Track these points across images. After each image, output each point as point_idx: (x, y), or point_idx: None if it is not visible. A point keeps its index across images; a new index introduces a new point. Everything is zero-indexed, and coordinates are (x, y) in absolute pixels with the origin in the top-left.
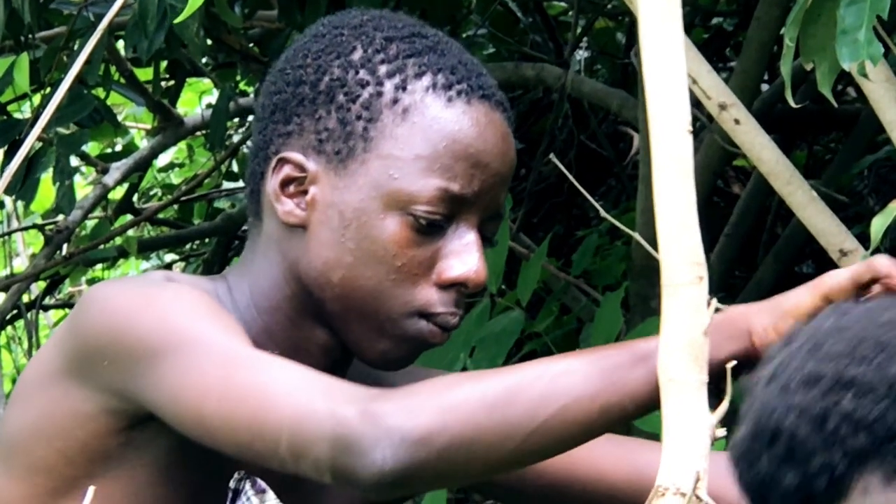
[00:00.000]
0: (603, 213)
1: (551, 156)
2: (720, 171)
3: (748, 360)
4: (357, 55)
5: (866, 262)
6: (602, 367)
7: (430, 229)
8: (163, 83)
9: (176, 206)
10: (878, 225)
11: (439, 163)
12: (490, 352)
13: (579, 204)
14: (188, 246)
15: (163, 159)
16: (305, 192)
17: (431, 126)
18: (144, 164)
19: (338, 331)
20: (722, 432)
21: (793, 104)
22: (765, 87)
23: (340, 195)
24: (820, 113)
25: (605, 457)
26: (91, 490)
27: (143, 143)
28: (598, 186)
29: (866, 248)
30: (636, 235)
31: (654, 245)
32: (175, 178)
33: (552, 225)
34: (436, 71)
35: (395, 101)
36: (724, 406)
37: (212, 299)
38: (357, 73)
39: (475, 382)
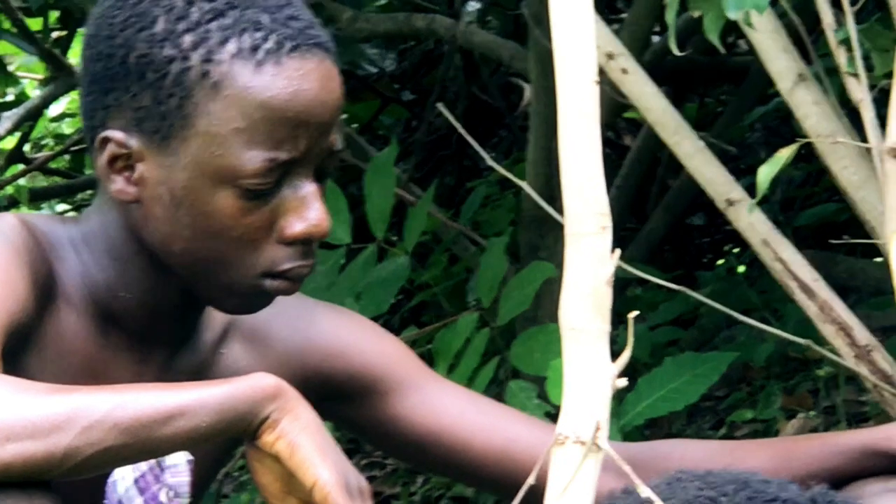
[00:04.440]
0: (492, 162)
1: (439, 105)
2: (611, 122)
3: None
4: (160, 26)
5: None
6: (140, 420)
7: (263, 194)
8: (54, 33)
9: (67, 156)
10: (764, 174)
11: (260, 133)
12: (376, 297)
13: (470, 155)
14: (79, 195)
15: (54, 109)
16: (134, 168)
17: (244, 97)
18: (36, 114)
19: (189, 286)
20: (623, 382)
21: (677, 52)
22: (656, 39)
23: (167, 173)
24: (711, 65)
25: (473, 426)
26: None
27: (35, 93)
28: (489, 137)
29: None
30: (525, 186)
31: (544, 195)
32: (67, 127)
33: (444, 176)
34: (240, 32)
35: (205, 74)
36: (626, 356)
37: (19, 270)
38: (162, 48)
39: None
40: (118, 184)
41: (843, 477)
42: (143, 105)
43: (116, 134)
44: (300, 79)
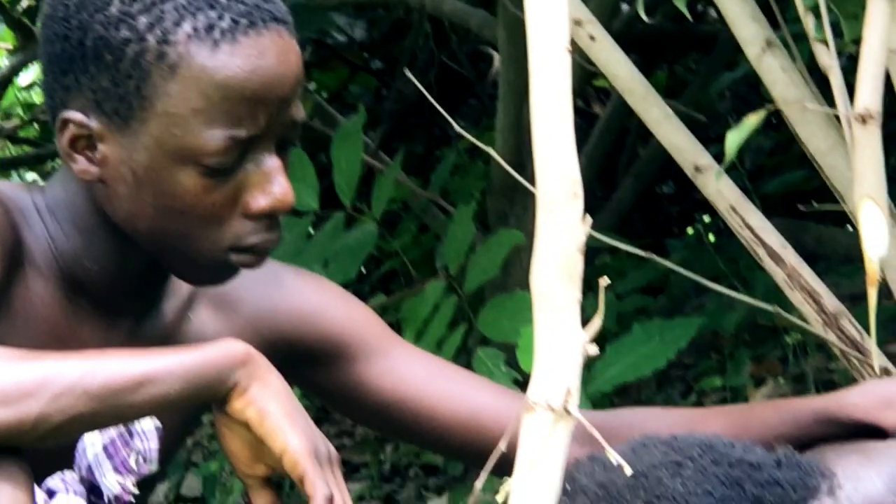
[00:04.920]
0: (460, 130)
1: (406, 72)
2: (580, 90)
3: None
4: (115, 8)
5: None
6: (110, 386)
7: (225, 171)
8: (23, 2)
9: (37, 125)
10: (732, 140)
11: (219, 113)
12: (344, 265)
13: (440, 124)
14: (49, 164)
15: (24, 78)
16: (96, 148)
17: (202, 78)
18: (5, 83)
19: (155, 258)
20: (594, 349)
21: (645, 18)
22: (625, 8)
23: (129, 154)
24: (680, 33)
25: (439, 394)
26: None
27: (4, 63)
28: (458, 106)
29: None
30: (494, 154)
31: (513, 164)
32: (36, 97)
33: (413, 145)
34: (195, 12)
35: (161, 55)
36: (597, 323)
37: None
38: (118, 30)
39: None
40: (81, 164)
41: (798, 444)
42: (101, 87)
43: (76, 115)
44: (257, 56)
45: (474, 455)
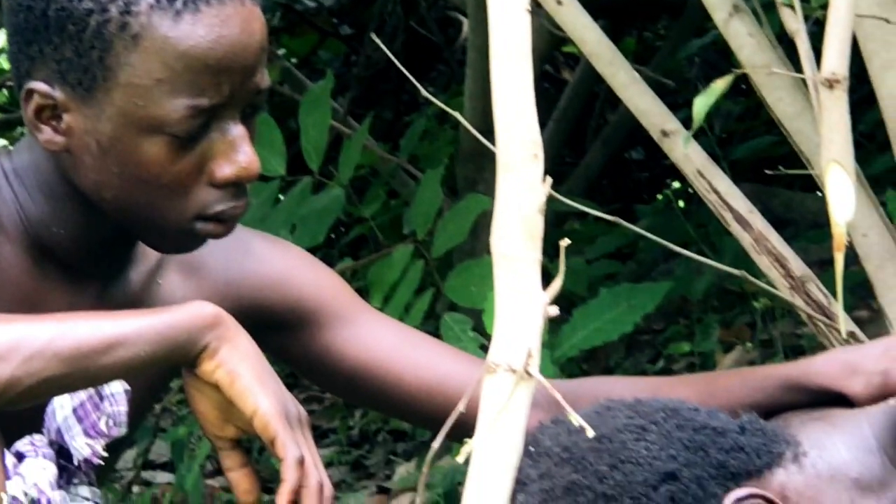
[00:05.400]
0: (429, 96)
1: (374, 37)
2: (548, 55)
3: None
4: None
5: None
6: (80, 349)
7: (190, 140)
8: None
9: (6, 91)
10: (700, 105)
11: (181, 82)
12: (311, 229)
13: (409, 90)
14: (18, 130)
15: None
16: (61, 118)
17: (164, 49)
18: None
19: (122, 226)
20: (554, 310)
21: None
22: None
23: (93, 124)
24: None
25: (405, 361)
26: None
27: None
28: (427, 72)
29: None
30: (463, 120)
31: (482, 129)
32: (5, 62)
33: (382, 110)
34: None
35: (124, 26)
36: (558, 284)
37: None
38: (81, 1)
39: None
40: (46, 134)
41: (764, 411)
42: (65, 57)
43: (41, 86)
44: (220, 25)
45: (439, 423)
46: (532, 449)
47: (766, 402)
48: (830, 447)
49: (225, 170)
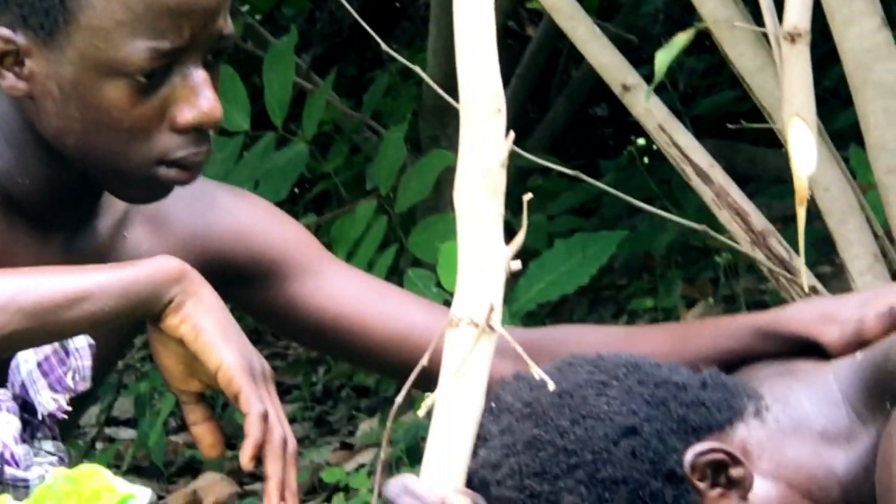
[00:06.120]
0: (391, 52)
1: None
2: (512, 11)
3: None
4: None
5: None
6: (44, 303)
7: (152, 84)
8: None
9: None
10: (661, 59)
11: (142, 24)
12: (274, 185)
13: (372, 46)
14: None
15: None
16: (23, 63)
17: None
18: None
19: (87, 174)
20: (517, 265)
21: None
22: None
23: (55, 68)
24: None
25: (372, 311)
26: None
27: None
28: (391, 28)
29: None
30: (425, 76)
31: (445, 86)
32: None
33: (345, 66)
34: None
35: None
36: (520, 239)
37: None
38: None
39: None
40: (9, 80)
41: (735, 359)
42: (26, 1)
43: (3, 31)
44: None
45: (406, 372)
46: (493, 405)
47: (739, 349)
48: (793, 401)
49: (186, 114)
